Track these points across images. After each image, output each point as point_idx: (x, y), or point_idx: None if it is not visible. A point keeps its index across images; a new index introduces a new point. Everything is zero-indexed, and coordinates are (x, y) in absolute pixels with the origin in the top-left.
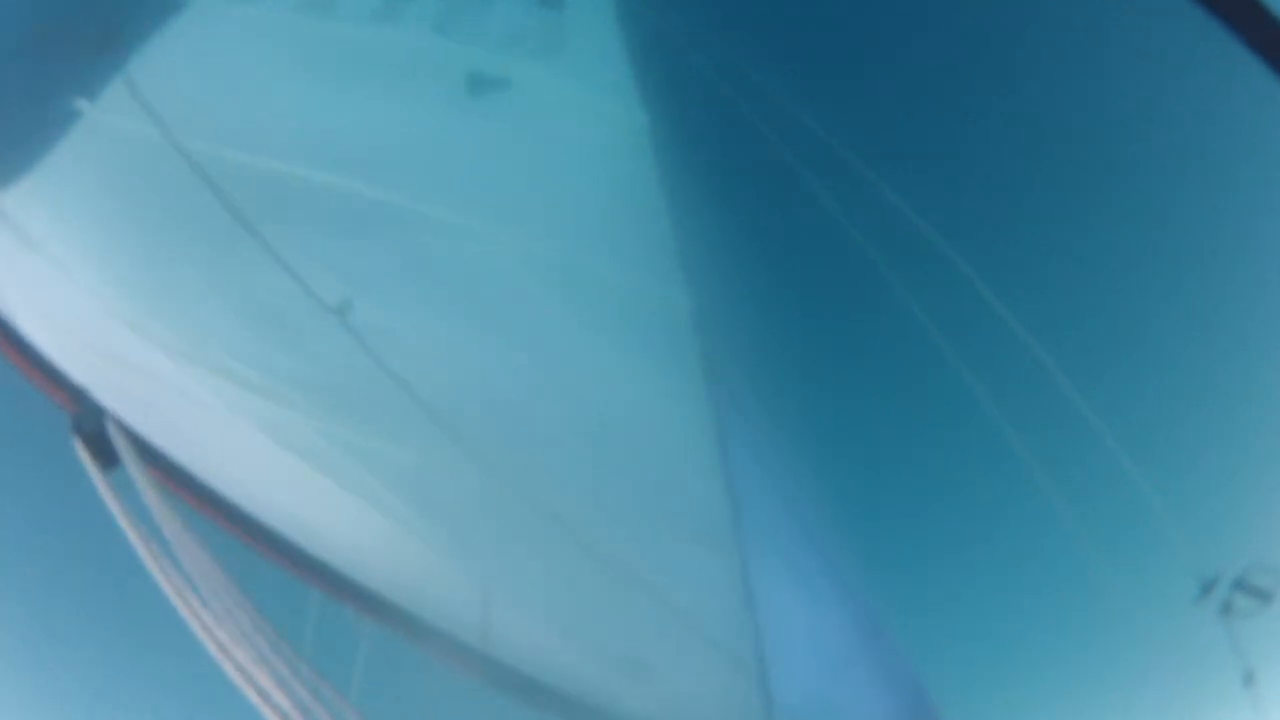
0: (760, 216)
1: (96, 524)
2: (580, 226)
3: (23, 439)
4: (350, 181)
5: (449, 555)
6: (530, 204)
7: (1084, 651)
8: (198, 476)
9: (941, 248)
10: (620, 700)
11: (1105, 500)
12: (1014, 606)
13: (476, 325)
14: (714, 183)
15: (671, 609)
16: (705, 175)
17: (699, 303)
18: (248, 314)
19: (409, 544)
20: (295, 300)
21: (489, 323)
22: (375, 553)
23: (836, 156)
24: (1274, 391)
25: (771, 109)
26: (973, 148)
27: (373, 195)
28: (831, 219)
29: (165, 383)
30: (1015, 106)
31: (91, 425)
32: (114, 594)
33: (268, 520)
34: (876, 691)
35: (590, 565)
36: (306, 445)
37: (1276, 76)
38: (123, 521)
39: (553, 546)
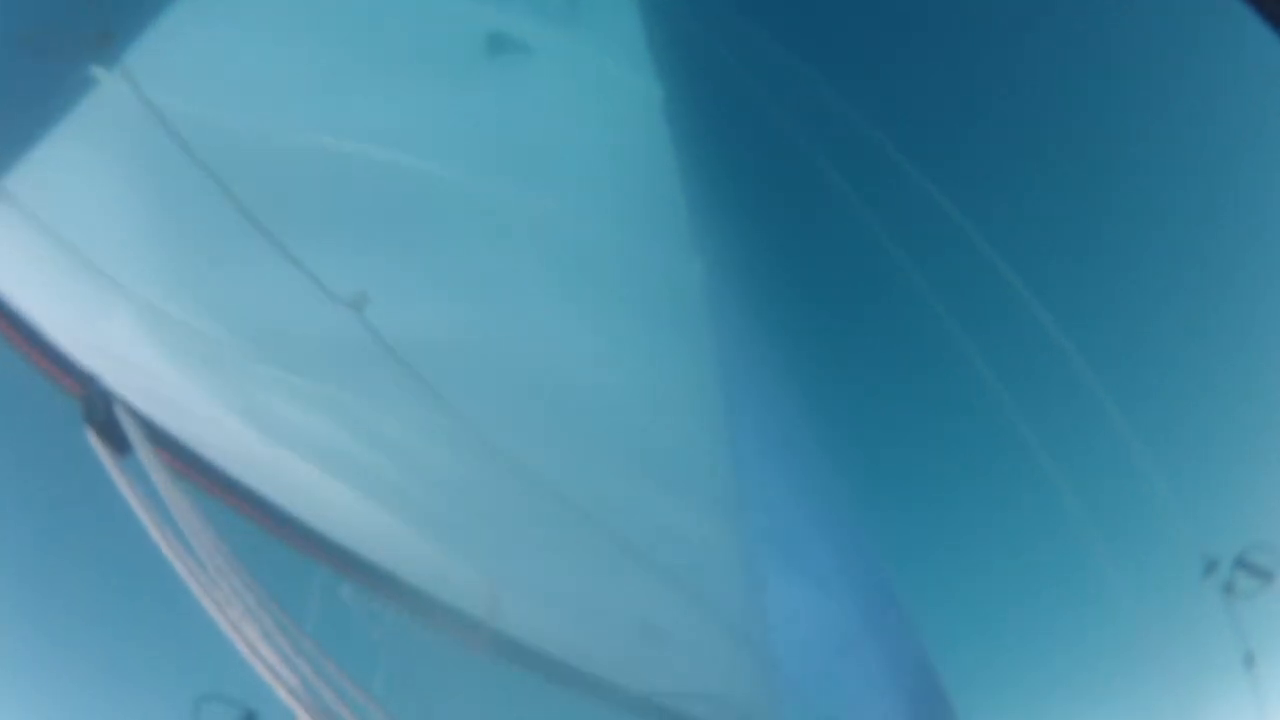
0: (772, 187)
1: (107, 507)
2: (594, 195)
3: (32, 425)
4: (364, 147)
5: (457, 531)
6: (544, 171)
7: (1089, 632)
8: (206, 458)
9: (957, 225)
10: (627, 676)
11: (1110, 481)
12: (1020, 585)
13: (485, 296)
14: (726, 154)
15: (680, 586)
16: (718, 147)
17: (710, 269)
18: (258, 301)
19: (417, 521)
20: (307, 289)
21: (498, 293)
22: (384, 530)
23: (853, 131)
24: (1276, 376)
25: (785, 82)
26: (989, 122)
27: (386, 159)
28: (844, 191)
29: (172, 368)
30: (1040, 89)
31: (101, 411)
32: (128, 575)
33: (276, 500)
34: (882, 668)
35: (599, 540)
36: (317, 426)
37: None
38: (135, 504)
39: (561, 521)
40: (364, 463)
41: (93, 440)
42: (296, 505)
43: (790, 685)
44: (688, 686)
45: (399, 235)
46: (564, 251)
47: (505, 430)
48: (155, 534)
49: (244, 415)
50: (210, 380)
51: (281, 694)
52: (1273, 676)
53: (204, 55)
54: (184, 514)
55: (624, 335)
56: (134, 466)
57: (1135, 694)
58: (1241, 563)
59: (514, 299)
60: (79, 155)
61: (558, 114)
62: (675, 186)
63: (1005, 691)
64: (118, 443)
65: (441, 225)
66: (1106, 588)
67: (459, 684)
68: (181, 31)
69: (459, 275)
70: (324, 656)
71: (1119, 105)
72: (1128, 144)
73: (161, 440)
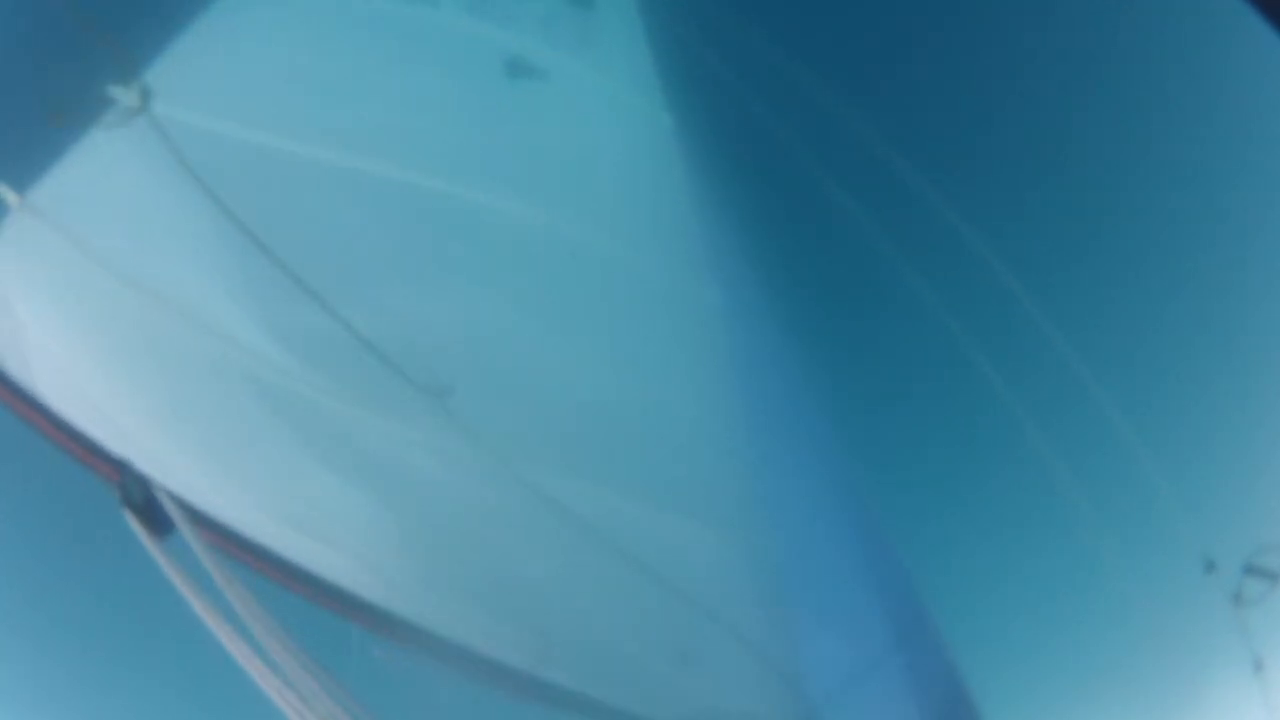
0: (787, 216)
1: (150, 591)
2: (607, 224)
3: (69, 513)
4: (378, 165)
5: (499, 579)
6: (562, 196)
7: (1098, 636)
8: (247, 534)
9: (966, 238)
10: (663, 706)
11: (1112, 481)
12: (1024, 590)
13: (500, 312)
14: (741, 182)
15: (703, 607)
16: (732, 176)
17: (727, 300)
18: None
19: (462, 572)
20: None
21: (512, 310)
22: (427, 585)
23: (863, 152)
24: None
25: (798, 109)
26: (1002, 138)
27: (403, 179)
28: (858, 217)
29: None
30: (1039, 91)
31: (139, 494)
32: (179, 660)
33: (310, 564)
34: (909, 684)
35: (627, 569)
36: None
37: None
38: (182, 587)
39: (592, 552)
40: (400, 513)
41: (132, 524)
42: (331, 567)
43: (815, 703)
44: (718, 709)
45: (426, 267)
46: (582, 278)
47: (531, 460)
48: (202, 612)
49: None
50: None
51: None
52: None
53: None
54: (234, 592)
55: (640, 360)
56: (173, 545)
57: (1140, 701)
58: (1249, 568)
59: (526, 321)
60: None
61: (573, 140)
62: (689, 215)
63: (1024, 699)
64: (158, 525)
65: (467, 251)
66: (1115, 591)
67: None
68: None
69: (483, 301)
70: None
71: (1126, 105)
72: (1131, 141)
73: (200, 518)
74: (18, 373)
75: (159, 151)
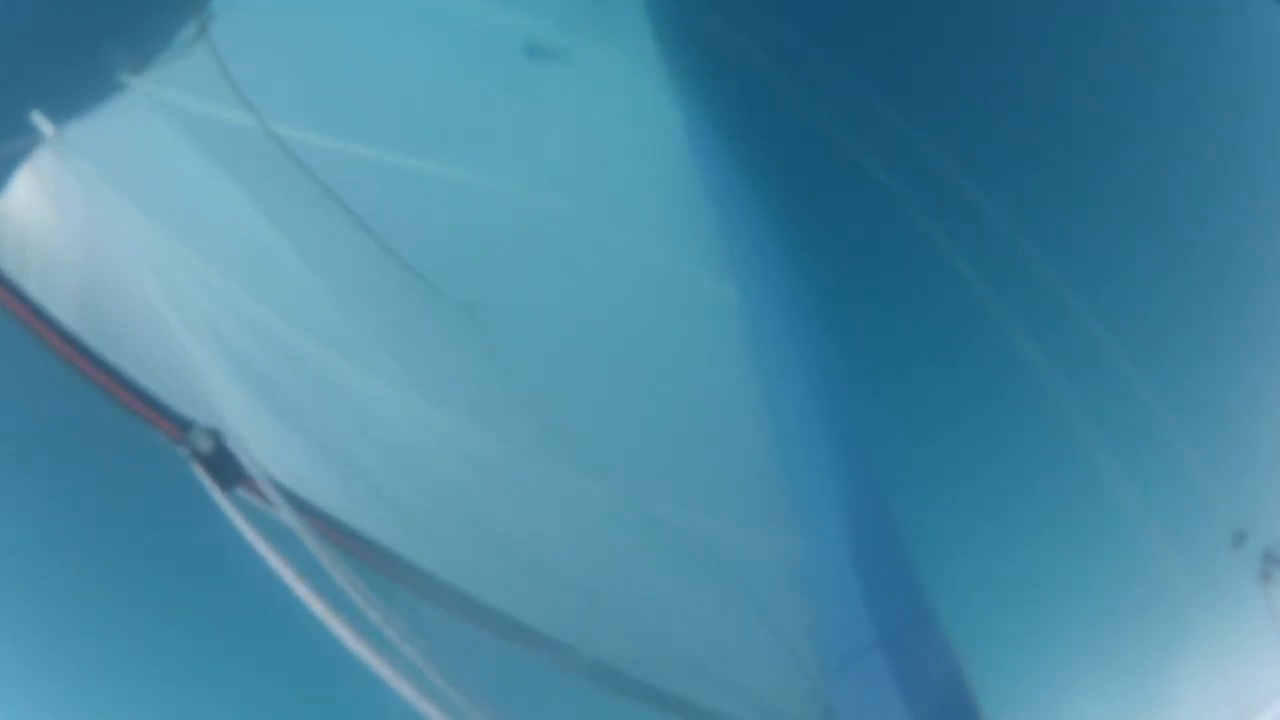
0: (798, 203)
1: (212, 545)
2: (625, 215)
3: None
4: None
5: (550, 551)
6: (581, 186)
7: (1125, 615)
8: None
9: (998, 219)
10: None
11: (1145, 455)
12: (1053, 570)
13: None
14: (751, 171)
15: (731, 591)
16: (742, 165)
17: (744, 293)
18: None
19: (509, 539)
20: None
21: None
22: (484, 554)
23: (880, 127)
24: None
25: (806, 95)
26: (1027, 117)
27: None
28: (878, 195)
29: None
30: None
31: (208, 446)
32: (247, 614)
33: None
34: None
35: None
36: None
37: None
38: (252, 538)
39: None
40: (459, 478)
41: (200, 475)
42: (384, 527)
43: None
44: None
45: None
46: (602, 265)
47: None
48: (276, 564)
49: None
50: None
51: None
52: None
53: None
54: (310, 539)
55: (662, 351)
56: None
57: (1174, 682)
58: (1270, 556)
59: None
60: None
61: (590, 127)
62: (702, 206)
63: (1034, 678)
64: (227, 477)
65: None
66: (1141, 567)
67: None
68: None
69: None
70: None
71: (1169, 100)
72: (1170, 134)
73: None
74: (88, 333)
75: (207, 89)
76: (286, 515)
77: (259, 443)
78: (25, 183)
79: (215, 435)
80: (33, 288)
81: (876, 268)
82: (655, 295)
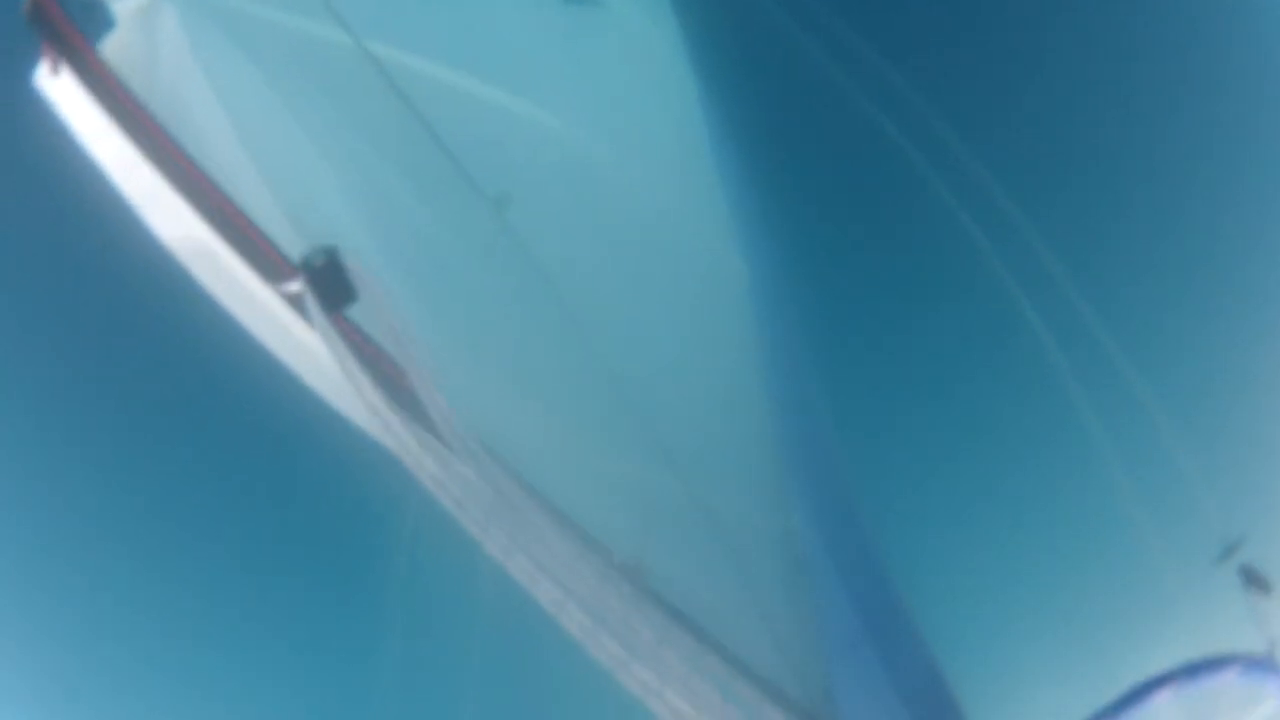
0: (813, 180)
1: None
2: (645, 164)
3: None
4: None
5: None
6: (606, 134)
7: (1110, 622)
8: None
9: (1012, 213)
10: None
11: (1138, 464)
12: (1042, 574)
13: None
14: (766, 143)
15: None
16: (757, 137)
17: (755, 272)
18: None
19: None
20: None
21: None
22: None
23: (894, 93)
24: None
25: (827, 62)
26: (1042, 104)
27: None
28: (904, 164)
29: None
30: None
31: (322, 263)
32: None
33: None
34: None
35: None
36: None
37: None
38: (349, 360)
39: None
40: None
41: (309, 295)
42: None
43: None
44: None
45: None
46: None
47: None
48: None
49: None
50: None
51: None
52: None
53: None
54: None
55: (671, 333)
56: None
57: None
58: (1247, 572)
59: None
60: None
61: (617, 74)
62: (714, 180)
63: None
64: (336, 297)
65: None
66: (1131, 573)
67: None
68: None
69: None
70: None
71: (1178, 95)
72: (1183, 137)
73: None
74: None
75: None
76: (394, 331)
77: None
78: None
79: (331, 252)
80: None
81: (870, 245)
82: (663, 250)
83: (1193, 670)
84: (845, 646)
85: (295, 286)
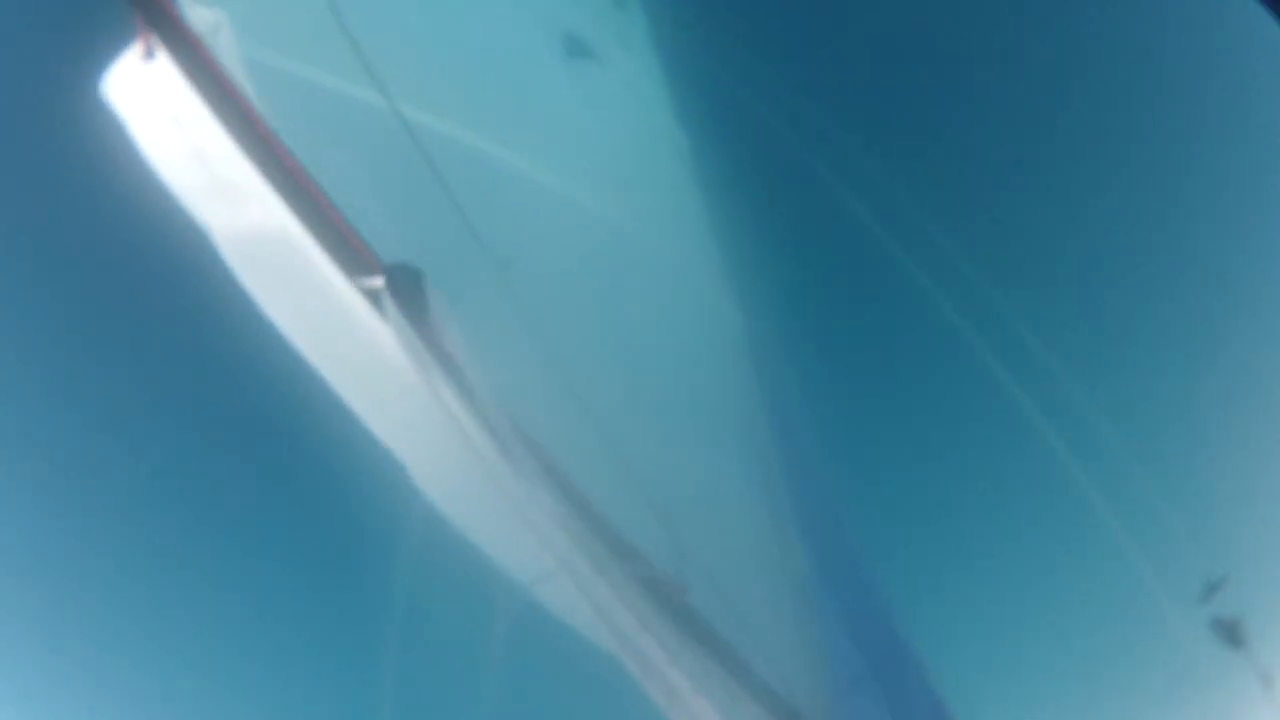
0: (805, 229)
1: None
2: (645, 219)
3: None
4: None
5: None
6: (605, 181)
7: (1100, 660)
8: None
9: (962, 256)
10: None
11: (1113, 505)
12: (1027, 609)
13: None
14: (757, 196)
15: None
16: (748, 190)
17: (751, 320)
18: None
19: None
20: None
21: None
22: None
23: (870, 168)
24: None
25: (806, 122)
26: (1015, 161)
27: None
28: (870, 229)
29: None
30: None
31: (407, 283)
32: None
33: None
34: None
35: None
36: None
37: None
38: (434, 371)
39: None
40: None
41: (390, 308)
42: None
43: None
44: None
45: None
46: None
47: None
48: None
49: None
50: None
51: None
52: None
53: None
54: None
55: (667, 375)
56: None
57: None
58: (1219, 623)
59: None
60: None
61: (618, 129)
62: (708, 233)
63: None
64: (421, 314)
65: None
66: (1113, 614)
67: None
68: None
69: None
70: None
71: (1130, 109)
72: (1142, 153)
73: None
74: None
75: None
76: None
77: None
78: None
79: (418, 274)
80: None
81: (857, 295)
82: (663, 301)
83: None
84: (849, 685)
85: (377, 282)
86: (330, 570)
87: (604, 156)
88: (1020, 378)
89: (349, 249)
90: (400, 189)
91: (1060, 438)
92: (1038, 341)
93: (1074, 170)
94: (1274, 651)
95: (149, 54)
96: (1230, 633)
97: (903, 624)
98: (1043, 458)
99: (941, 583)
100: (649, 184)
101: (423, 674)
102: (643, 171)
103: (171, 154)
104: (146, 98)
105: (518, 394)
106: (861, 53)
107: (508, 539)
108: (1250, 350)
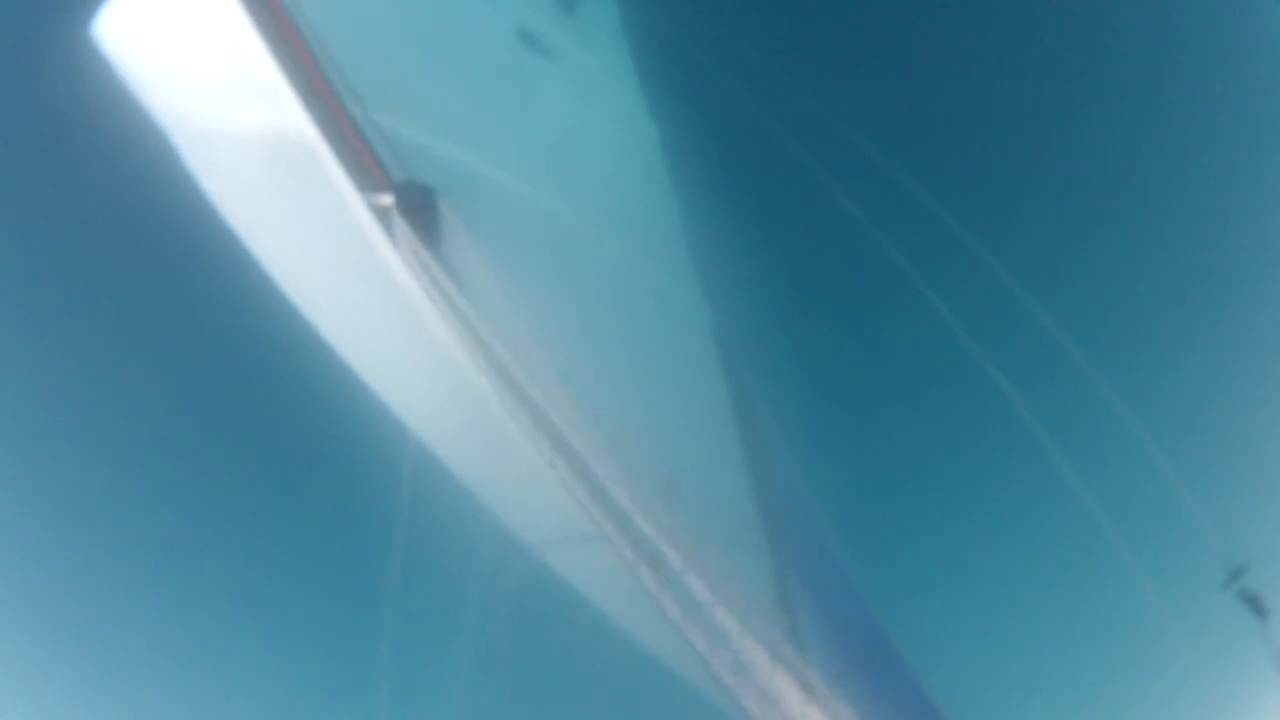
0: (774, 220)
1: None
2: (604, 232)
3: None
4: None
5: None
6: (562, 182)
7: (1120, 646)
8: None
9: (965, 241)
10: None
11: (1134, 495)
12: (1042, 602)
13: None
14: (727, 188)
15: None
16: (718, 182)
17: (718, 311)
18: None
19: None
20: None
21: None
22: None
23: (849, 149)
24: None
25: (781, 107)
26: (996, 142)
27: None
28: (847, 216)
29: None
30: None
31: (417, 199)
32: None
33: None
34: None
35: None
36: None
37: None
38: (439, 287)
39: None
40: None
41: (400, 226)
42: None
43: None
44: None
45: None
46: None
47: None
48: (462, 322)
49: None
50: None
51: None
52: None
53: None
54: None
55: (640, 368)
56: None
57: (1172, 704)
58: (1247, 596)
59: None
60: None
61: (577, 124)
62: (678, 226)
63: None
64: (430, 232)
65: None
66: (1134, 602)
67: None
68: None
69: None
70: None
71: (1136, 109)
72: (1154, 157)
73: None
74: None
75: None
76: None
77: None
78: None
79: (430, 192)
80: None
81: (836, 285)
82: (630, 294)
83: None
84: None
85: (387, 199)
86: (326, 534)
87: (574, 154)
88: (1029, 371)
89: (360, 163)
90: None
91: (1070, 434)
92: (1057, 332)
93: (1084, 156)
94: None
95: None
96: (1256, 605)
97: (890, 622)
98: (1054, 454)
99: (948, 581)
100: (621, 181)
101: (421, 642)
102: (615, 168)
103: (206, 49)
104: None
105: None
106: (834, 37)
107: (513, 490)
108: (1262, 343)
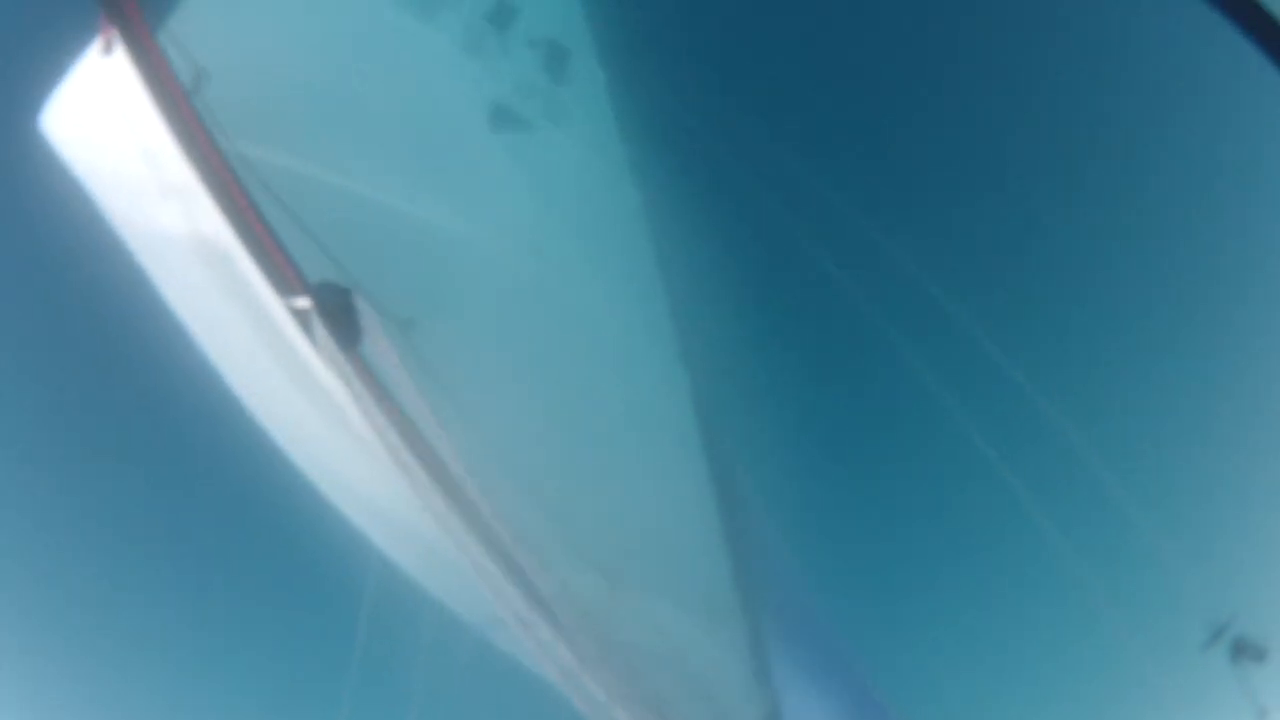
0: (759, 287)
1: None
2: (583, 299)
3: None
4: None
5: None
6: (539, 255)
7: (1097, 700)
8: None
9: (943, 302)
10: None
11: (1114, 551)
12: (1018, 655)
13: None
14: (710, 253)
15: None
16: (701, 248)
17: (698, 381)
18: None
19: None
20: None
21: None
22: None
23: (832, 215)
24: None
25: (766, 174)
26: (976, 206)
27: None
28: (832, 282)
29: None
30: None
31: (335, 304)
32: None
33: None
34: None
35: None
36: None
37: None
38: (366, 396)
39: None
40: None
41: (321, 332)
42: None
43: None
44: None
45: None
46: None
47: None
48: (385, 428)
49: None
50: None
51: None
52: None
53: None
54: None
55: (617, 433)
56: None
57: None
58: (1239, 645)
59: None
60: None
61: (549, 190)
62: (659, 290)
63: None
64: (349, 336)
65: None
66: (1112, 657)
67: None
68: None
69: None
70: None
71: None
72: (1135, 231)
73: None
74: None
75: None
76: (398, 376)
77: None
78: None
79: (346, 292)
80: None
81: (820, 350)
82: (603, 362)
83: None
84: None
85: (303, 303)
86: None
87: (551, 220)
88: (1012, 434)
89: (276, 266)
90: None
91: (1056, 498)
92: (1041, 402)
93: (1064, 183)
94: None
95: (108, 49)
96: (1251, 650)
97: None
98: (1044, 522)
99: (933, 644)
100: (600, 248)
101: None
102: (593, 235)
103: (122, 151)
104: (103, 92)
105: (455, 423)
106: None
107: (448, 578)
108: (1246, 383)
